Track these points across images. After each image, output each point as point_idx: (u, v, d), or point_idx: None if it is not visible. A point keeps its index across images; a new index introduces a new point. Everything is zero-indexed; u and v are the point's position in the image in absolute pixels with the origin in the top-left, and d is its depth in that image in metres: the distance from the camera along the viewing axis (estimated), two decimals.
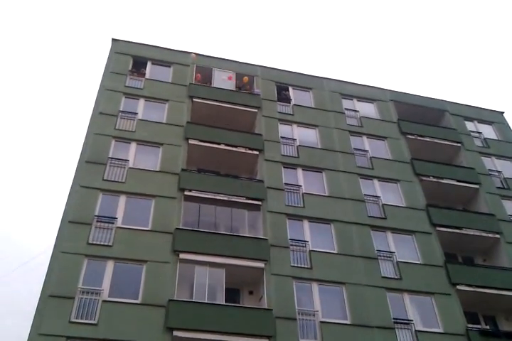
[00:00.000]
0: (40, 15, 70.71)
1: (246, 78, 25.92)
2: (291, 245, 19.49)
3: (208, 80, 25.80)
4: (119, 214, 18.53)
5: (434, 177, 23.89)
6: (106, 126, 21.51)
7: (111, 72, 24.26)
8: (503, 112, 29.49)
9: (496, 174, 25.42)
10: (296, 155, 23.12)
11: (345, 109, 26.45)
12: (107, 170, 19.84)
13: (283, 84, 26.85)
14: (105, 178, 19.52)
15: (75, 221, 17.82)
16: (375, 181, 23.23)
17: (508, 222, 23.03)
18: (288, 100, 26.01)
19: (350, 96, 27.34)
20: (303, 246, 19.61)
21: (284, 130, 24.32)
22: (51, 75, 67.09)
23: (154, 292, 16.63)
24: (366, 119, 26.23)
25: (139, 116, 22.58)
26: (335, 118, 25.71)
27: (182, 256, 17.81)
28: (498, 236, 22.09)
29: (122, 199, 19.10)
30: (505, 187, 24.83)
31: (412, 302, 19.04)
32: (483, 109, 29.52)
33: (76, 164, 19.83)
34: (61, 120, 63.63)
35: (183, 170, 20.77)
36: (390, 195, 22.85)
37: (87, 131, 21.27)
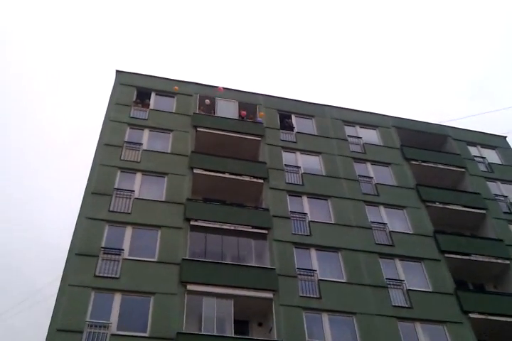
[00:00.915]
0: (45, 45, 71.71)
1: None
2: (299, 274, 19.28)
3: (211, 110, 26.01)
4: (126, 246, 18.41)
5: (439, 202, 23.81)
6: (111, 157, 21.58)
7: (115, 103, 24.49)
8: (506, 136, 29.68)
9: (502, 199, 25.33)
10: (301, 183, 23.11)
11: (348, 135, 26.58)
12: (112, 201, 19.81)
13: (285, 112, 27.06)
14: (111, 209, 19.47)
15: (81, 253, 17.70)
16: (381, 208, 23.15)
17: None
18: (291, 128, 26.16)
19: (352, 123, 27.51)
20: (311, 275, 19.40)
21: (287, 158, 24.38)
22: (55, 105, 67.64)
23: (162, 324, 16.39)
24: (369, 146, 26.33)
25: (144, 146, 22.67)
26: (338, 145, 25.81)
27: (189, 287, 17.62)
28: (507, 261, 21.85)
29: (128, 231, 19.00)
30: None
31: (424, 331, 18.71)
32: (486, 133, 29.64)
33: (82, 196, 19.81)
34: (65, 151, 63.81)
35: (188, 199, 20.73)
36: (396, 221, 22.75)
37: (93, 163, 21.32)
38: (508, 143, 29.27)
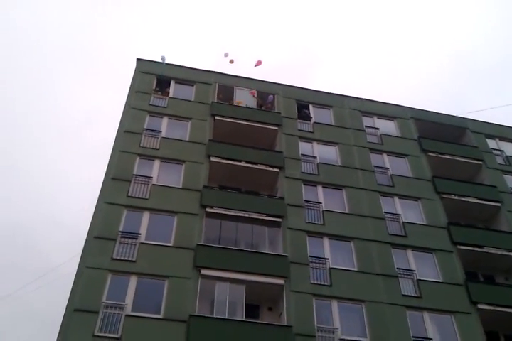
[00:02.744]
0: (71, 29, 72.52)
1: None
2: (311, 262, 19.65)
3: (230, 98, 26.33)
4: (143, 230, 18.97)
5: (455, 195, 23.89)
6: (131, 144, 22.09)
7: (136, 91, 24.95)
8: None
9: None
10: (317, 173, 23.37)
11: (366, 126, 26.68)
12: (131, 186, 20.35)
13: (303, 102, 27.24)
14: (130, 195, 20.02)
15: (100, 236, 18.31)
16: (396, 199, 23.32)
17: None
18: (308, 118, 26.37)
19: (370, 114, 27.58)
20: (323, 264, 19.76)
21: (304, 147, 24.62)
22: (77, 91, 68.64)
23: (176, 307, 16.95)
24: (386, 137, 26.41)
25: (163, 134, 23.14)
26: (355, 135, 25.95)
27: (203, 272, 18.12)
28: None
29: (146, 216, 19.55)
30: None
31: (432, 321, 18.99)
32: (505, 126, 29.39)
33: (102, 181, 20.40)
34: (85, 138, 64.86)
35: (204, 186, 21.17)
36: (410, 212, 22.90)
37: (113, 149, 21.86)
38: None
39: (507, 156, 27.30)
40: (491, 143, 27.90)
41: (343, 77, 77.23)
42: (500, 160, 26.95)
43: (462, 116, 29.40)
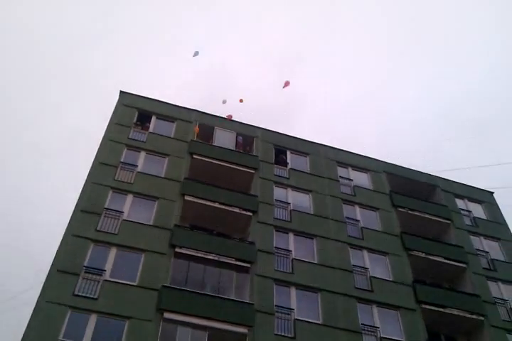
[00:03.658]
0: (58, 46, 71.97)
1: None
2: (277, 312, 19.35)
3: (210, 138, 26.38)
4: (108, 267, 18.44)
5: (422, 252, 24.10)
6: (105, 176, 21.75)
7: (116, 123, 24.79)
8: (493, 192, 30.15)
9: (483, 254, 25.67)
10: (289, 220, 23.35)
11: (340, 176, 26.98)
12: (101, 220, 19.90)
13: (282, 147, 27.50)
14: (98, 229, 19.55)
15: (63, 270, 17.70)
16: (365, 252, 23.39)
17: (493, 304, 23.06)
18: (285, 163, 26.56)
19: (345, 165, 27.96)
20: (288, 314, 19.47)
21: (278, 193, 24.67)
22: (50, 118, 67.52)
23: None
24: (359, 189, 26.73)
25: (139, 168, 22.90)
26: (329, 185, 26.18)
27: (166, 315, 17.61)
28: (482, 318, 22.02)
29: (113, 252, 19.07)
30: (492, 268, 25.00)
31: None
32: (474, 187, 30.16)
33: (71, 212, 19.87)
34: (58, 167, 63.30)
35: (176, 225, 20.85)
36: (378, 267, 22.96)
37: (86, 180, 21.44)
38: (494, 199, 29.75)
39: (474, 217, 27.87)
40: (460, 203, 28.51)
41: (325, 123, 78.09)
42: (467, 221, 27.47)
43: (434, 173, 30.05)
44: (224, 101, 24.68)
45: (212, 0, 70.85)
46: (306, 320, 19.52)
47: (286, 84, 26.68)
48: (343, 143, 68.52)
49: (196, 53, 25.53)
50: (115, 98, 26.48)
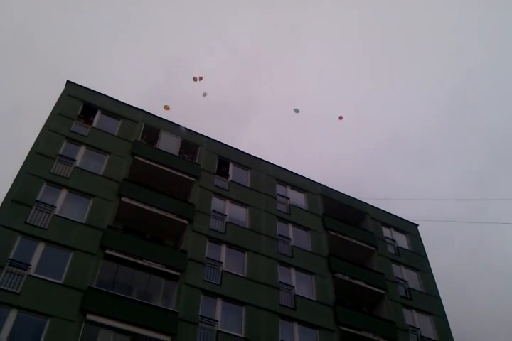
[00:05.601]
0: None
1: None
2: (201, 322, 19.27)
3: (154, 140, 26.03)
4: (34, 262, 17.67)
5: (346, 275, 24.85)
6: (41, 168, 20.90)
7: (58, 113, 23.92)
8: (417, 225, 31.61)
9: (402, 282, 26.81)
10: (224, 231, 23.39)
11: (278, 194, 27.41)
12: (31, 213, 19.08)
13: (225, 158, 27.59)
14: (28, 221, 18.73)
15: None
16: (292, 270, 23.80)
17: (405, 331, 24.07)
18: (226, 175, 26.64)
19: (284, 183, 28.44)
20: (212, 325, 19.43)
21: (216, 204, 24.68)
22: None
23: None
24: (295, 208, 27.24)
25: (77, 163, 22.20)
26: (266, 201, 26.50)
27: (89, 316, 17.08)
28: None
29: (40, 247, 18.31)
30: (408, 297, 26.15)
31: None
32: (400, 218, 31.48)
33: (1, 201, 18.93)
34: None
35: (109, 226, 20.34)
36: (303, 286, 23.43)
37: (20, 169, 20.50)
38: (418, 231, 31.19)
39: (398, 247, 29.07)
40: (386, 232, 29.68)
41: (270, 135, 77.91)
42: (391, 249, 28.61)
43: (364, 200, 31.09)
44: (204, 94, 24.10)
45: None
46: (229, 332, 19.56)
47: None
48: (289, 150, 69.48)
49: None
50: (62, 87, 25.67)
